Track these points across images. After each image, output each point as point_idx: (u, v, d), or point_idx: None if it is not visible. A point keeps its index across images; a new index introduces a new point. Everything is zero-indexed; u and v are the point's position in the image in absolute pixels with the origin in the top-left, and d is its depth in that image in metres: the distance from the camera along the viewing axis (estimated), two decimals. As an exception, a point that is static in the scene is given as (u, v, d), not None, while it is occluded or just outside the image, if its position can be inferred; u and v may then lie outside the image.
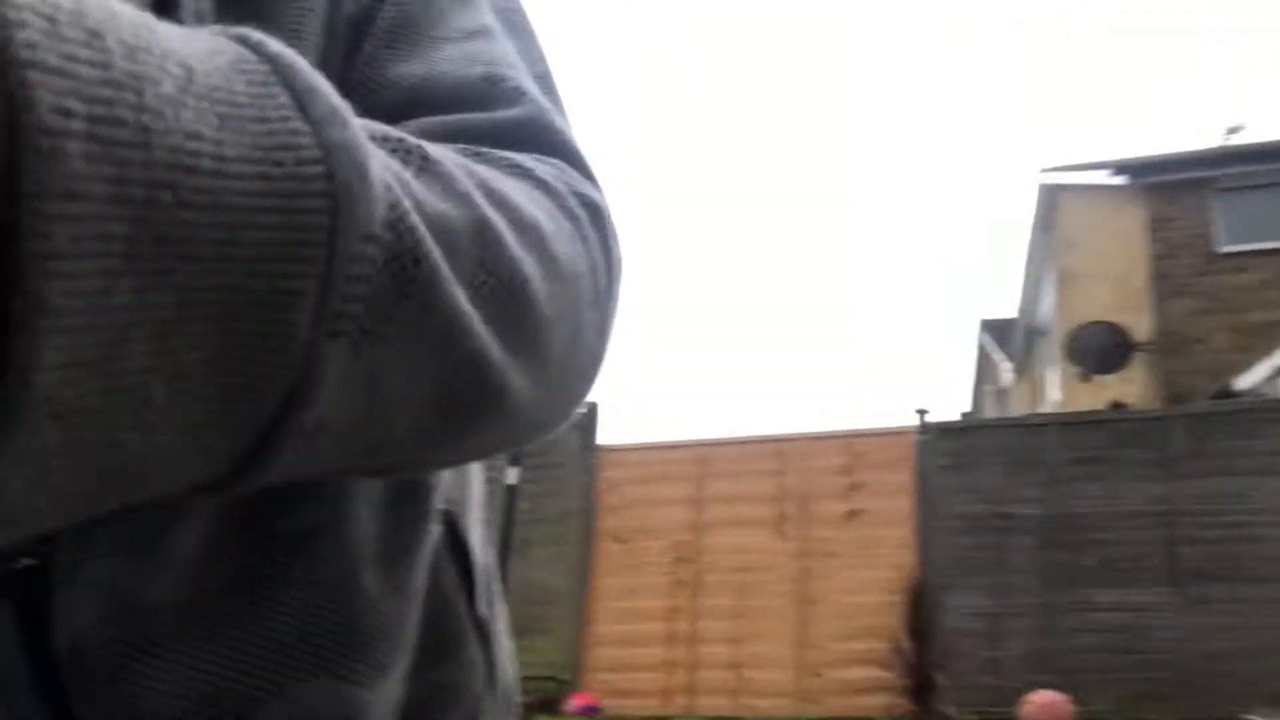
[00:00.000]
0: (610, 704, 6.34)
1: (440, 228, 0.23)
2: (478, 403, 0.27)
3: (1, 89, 0.15)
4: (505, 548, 5.70)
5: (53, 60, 0.16)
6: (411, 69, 0.36)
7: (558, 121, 0.37)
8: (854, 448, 6.77)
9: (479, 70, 0.36)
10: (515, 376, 0.27)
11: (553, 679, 6.45)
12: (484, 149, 0.32)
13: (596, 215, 0.34)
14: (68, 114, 0.16)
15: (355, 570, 0.35)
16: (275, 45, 0.21)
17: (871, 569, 6.29)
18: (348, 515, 0.35)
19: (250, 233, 0.18)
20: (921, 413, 6.84)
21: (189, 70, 0.18)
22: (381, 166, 0.22)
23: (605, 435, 7.21)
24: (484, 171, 0.28)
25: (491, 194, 0.27)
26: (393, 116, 0.31)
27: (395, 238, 0.21)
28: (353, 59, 0.37)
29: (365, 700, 0.34)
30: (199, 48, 0.19)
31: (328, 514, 0.35)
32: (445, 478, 0.41)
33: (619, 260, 0.35)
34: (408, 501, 0.38)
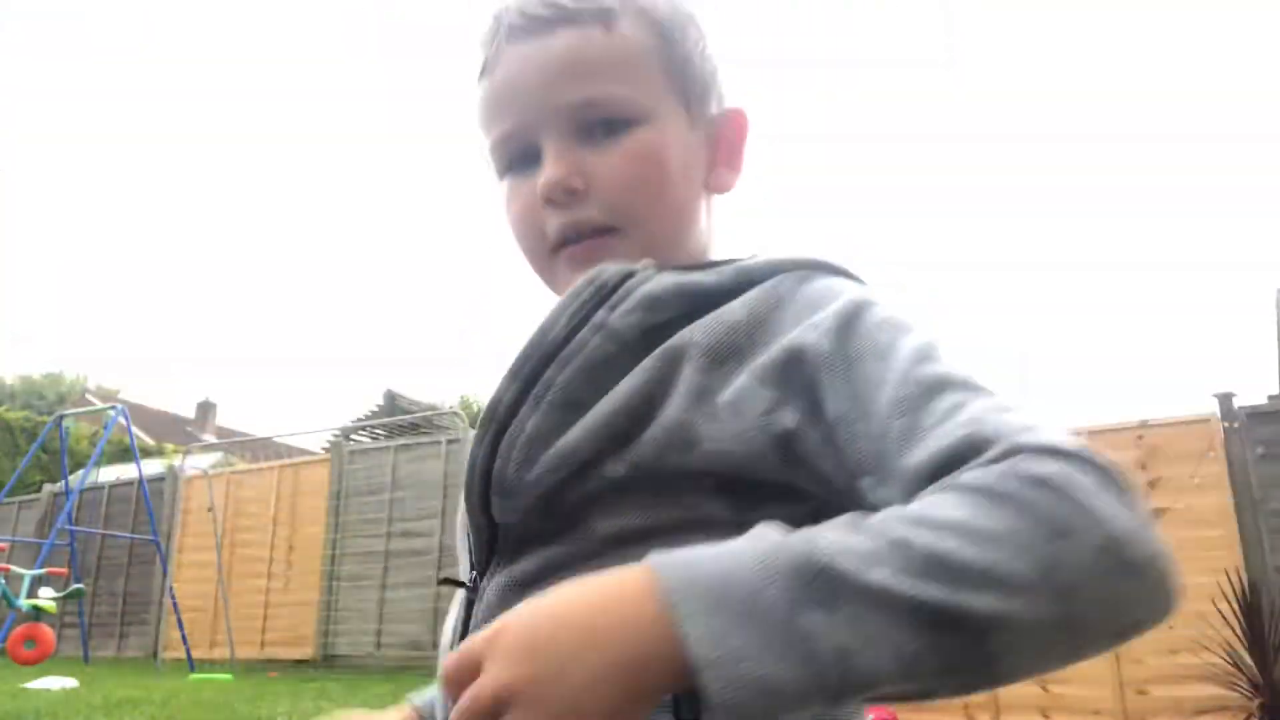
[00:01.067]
0: (907, 718, 6.12)
1: (855, 552, 0.41)
2: (965, 648, 0.40)
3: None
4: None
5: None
6: (913, 457, 0.48)
7: (1004, 432, 0.45)
8: (1148, 440, 6.16)
9: (959, 436, 0.46)
10: (999, 606, 0.39)
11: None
12: (952, 490, 0.44)
13: (1040, 481, 0.42)
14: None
15: None
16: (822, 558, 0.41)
17: (1187, 574, 5.59)
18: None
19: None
20: (1227, 396, 6.15)
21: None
22: (839, 547, 0.42)
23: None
24: (917, 510, 0.43)
25: (911, 520, 0.42)
26: (911, 491, 0.46)
27: (822, 571, 0.41)
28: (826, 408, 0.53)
29: None
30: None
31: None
32: None
33: (1085, 494, 0.42)
34: None
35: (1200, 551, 5.71)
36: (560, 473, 0.56)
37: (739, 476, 0.54)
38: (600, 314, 0.59)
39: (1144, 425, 6.20)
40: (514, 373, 0.59)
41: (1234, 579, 5.41)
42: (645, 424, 0.54)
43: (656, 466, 0.54)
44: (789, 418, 0.53)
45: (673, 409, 0.54)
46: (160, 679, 6.98)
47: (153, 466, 11.56)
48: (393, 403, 13.60)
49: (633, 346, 0.57)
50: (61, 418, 10.15)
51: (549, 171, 0.63)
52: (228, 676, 7.39)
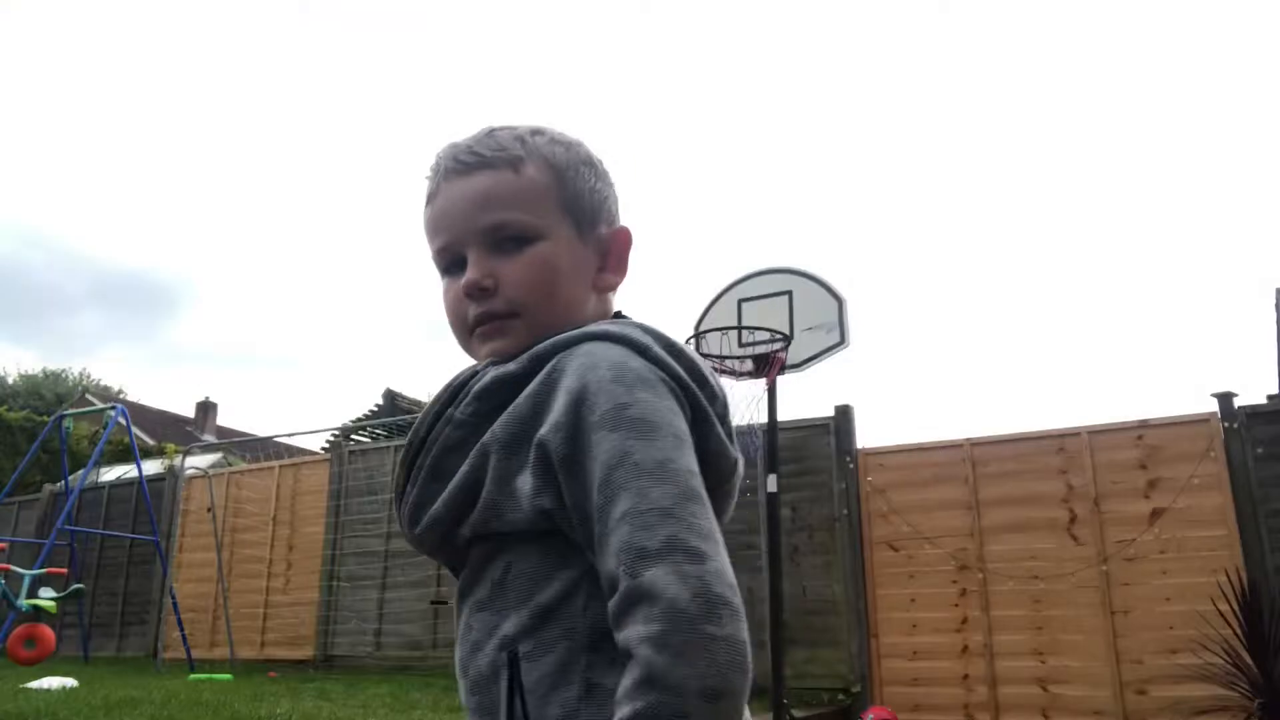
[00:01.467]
0: (907, 718, 6.12)
1: None
2: None
3: None
4: (774, 556, 5.64)
5: None
6: (601, 567, 0.68)
7: (645, 590, 0.63)
8: (1148, 440, 6.16)
9: (610, 570, 0.66)
10: None
11: (844, 690, 6.32)
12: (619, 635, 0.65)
13: (649, 684, 0.61)
14: None
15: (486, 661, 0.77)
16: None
17: (1187, 574, 5.70)
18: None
19: None
20: (1227, 396, 6.14)
21: None
22: None
23: (865, 438, 7.00)
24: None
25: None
26: (605, 588, 0.68)
27: None
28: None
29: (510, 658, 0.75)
30: None
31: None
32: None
33: (672, 674, 0.60)
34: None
35: (1200, 551, 5.71)
36: (435, 531, 0.81)
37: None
38: (450, 410, 0.82)
39: (1144, 425, 6.20)
40: (402, 459, 0.86)
41: (1234, 579, 5.41)
42: (473, 503, 0.77)
43: (486, 531, 0.77)
44: (548, 500, 0.73)
45: (486, 492, 0.76)
46: (160, 679, 6.97)
47: (153, 466, 11.55)
48: (393, 403, 13.60)
49: (473, 430, 0.79)
50: (61, 418, 10.15)
51: (469, 275, 0.84)
52: (228, 676, 7.39)
